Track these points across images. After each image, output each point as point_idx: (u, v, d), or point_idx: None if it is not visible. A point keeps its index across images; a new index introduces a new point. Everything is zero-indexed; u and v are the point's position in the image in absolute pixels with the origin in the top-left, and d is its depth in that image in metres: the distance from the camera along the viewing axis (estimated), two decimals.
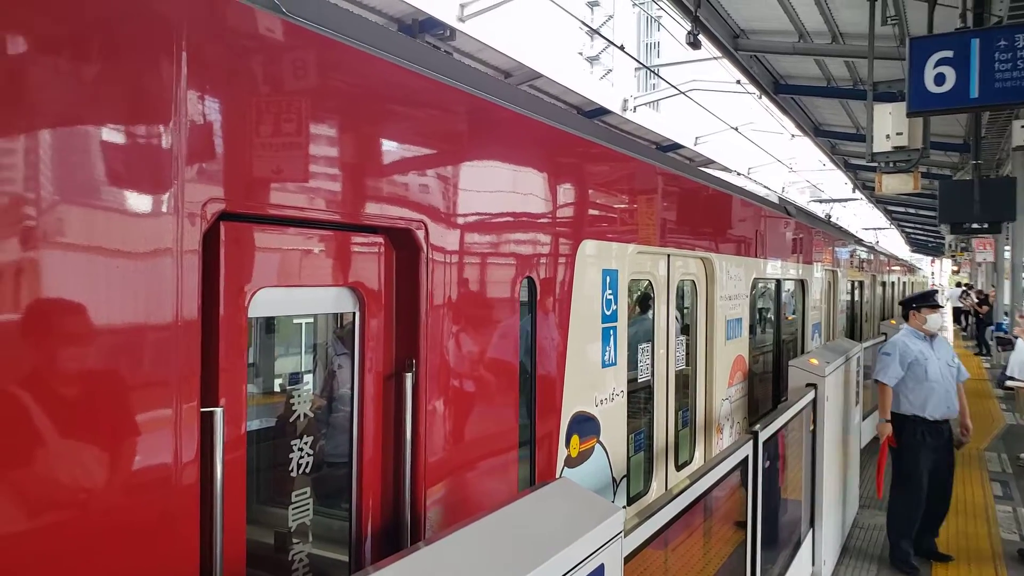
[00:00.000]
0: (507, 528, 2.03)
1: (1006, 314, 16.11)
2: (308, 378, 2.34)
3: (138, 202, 1.61)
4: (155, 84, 1.65)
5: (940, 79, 6.46)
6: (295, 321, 2.30)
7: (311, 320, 2.34)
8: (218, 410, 1.80)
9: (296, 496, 2.19)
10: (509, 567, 1.79)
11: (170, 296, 1.67)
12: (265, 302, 2.02)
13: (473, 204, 2.75)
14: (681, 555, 3.69)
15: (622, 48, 13.38)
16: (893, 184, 9.94)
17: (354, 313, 2.33)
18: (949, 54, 6.41)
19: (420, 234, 2.45)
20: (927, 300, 6.35)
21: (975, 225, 11.74)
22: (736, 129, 19.99)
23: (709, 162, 22.52)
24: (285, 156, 1.99)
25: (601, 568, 2.10)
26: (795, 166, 26.16)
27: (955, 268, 44.51)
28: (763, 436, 4.07)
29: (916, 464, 6.08)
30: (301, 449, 2.20)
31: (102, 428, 1.57)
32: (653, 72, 18.51)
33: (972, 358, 20.88)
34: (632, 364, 4.37)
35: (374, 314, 2.36)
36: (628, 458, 4.24)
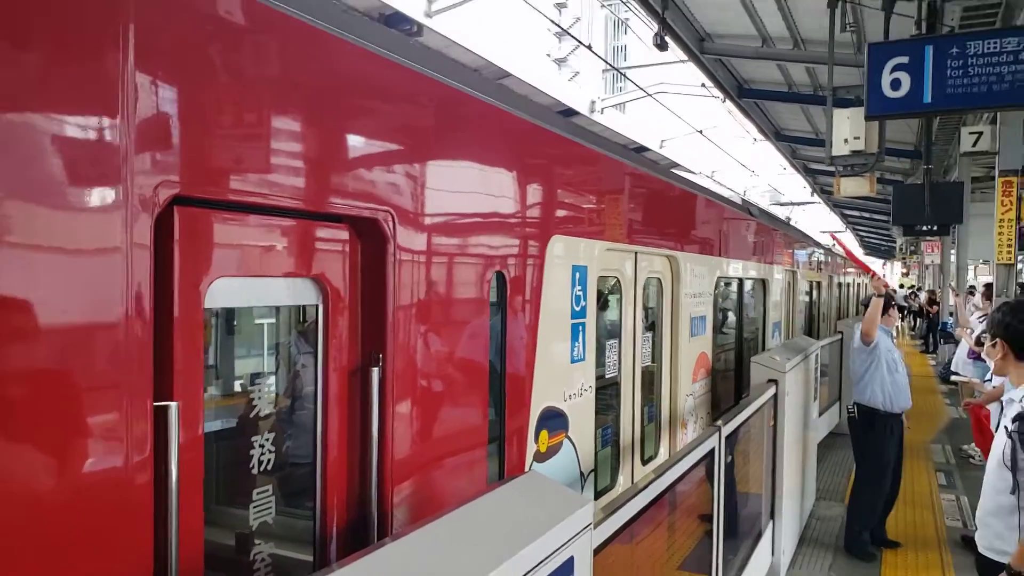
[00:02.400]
0: (475, 522, 1.97)
1: (951, 314, 16.57)
2: (270, 372, 2.24)
3: (85, 184, 1.51)
4: (100, 61, 1.55)
5: (896, 84, 6.58)
6: (256, 314, 2.20)
7: (273, 312, 2.25)
8: (172, 404, 1.70)
9: (257, 495, 2.10)
10: (478, 561, 1.73)
11: (120, 282, 1.57)
12: (223, 292, 1.93)
13: (442, 195, 2.67)
14: (646, 548, 3.67)
15: (590, 47, 13.38)
16: (850, 187, 10.13)
17: (317, 306, 2.25)
18: (905, 60, 6.53)
19: (387, 224, 2.37)
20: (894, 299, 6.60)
21: (926, 227, 12.03)
22: (701, 132, 20.14)
23: (674, 165, 22.63)
24: (243, 139, 1.90)
25: (571, 561, 2.06)
26: (757, 170, 26.57)
27: (904, 271, 45.67)
28: (727, 430, 4.07)
29: (889, 458, 6.24)
30: (262, 446, 2.11)
31: (51, 425, 1.47)
32: (621, 74, 18.57)
33: (919, 355, 21.46)
34: (600, 360, 4.34)
35: (338, 306, 2.28)
36: (596, 453, 4.21)
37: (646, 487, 2.75)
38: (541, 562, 1.90)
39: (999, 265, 9.71)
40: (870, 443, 6.33)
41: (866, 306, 6.37)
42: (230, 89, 1.86)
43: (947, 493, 8.04)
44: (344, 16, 2.29)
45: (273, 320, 2.26)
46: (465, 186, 2.82)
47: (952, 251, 18.48)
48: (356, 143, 2.27)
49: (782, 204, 25.84)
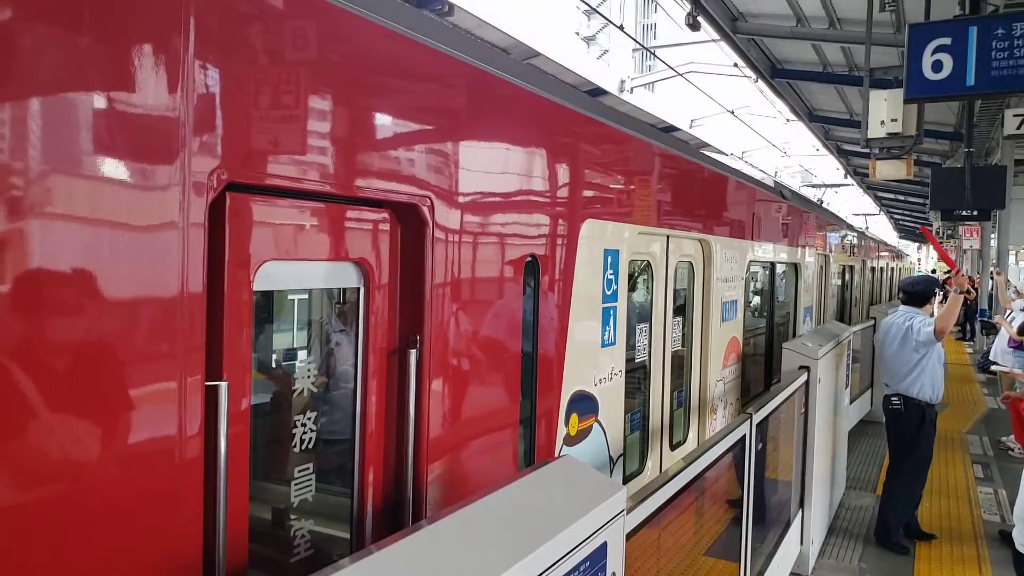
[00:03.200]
0: (510, 506, 2.01)
1: (990, 300, 16.22)
2: (313, 353, 2.29)
3: (144, 170, 1.56)
4: (162, 51, 1.59)
5: (937, 66, 6.43)
6: (301, 295, 2.25)
7: (317, 294, 2.30)
8: (223, 384, 1.76)
9: (299, 472, 2.16)
10: (513, 546, 1.77)
11: (175, 267, 1.63)
12: (270, 275, 1.98)
13: (478, 181, 2.70)
14: (673, 533, 3.70)
15: (621, 28, 13.24)
16: (886, 170, 9.93)
17: (359, 288, 2.29)
18: (947, 41, 6.38)
19: (425, 209, 2.40)
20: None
21: (965, 212, 11.77)
22: (732, 112, 19.87)
23: (704, 145, 22.44)
24: (292, 127, 1.94)
25: (604, 546, 2.09)
26: (789, 151, 26.16)
27: None
28: (758, 418, 4.07)
29: (931, 449, 6.16)
30: (304, 424, 2.17)
31: (107, 401, 1.53)
32: (651, 53, 18.36)
33: (955, 343, 21.10)
34: (630, 344, 4.35)
35: (379, 289, 2.32)
36: (625, 437, 4.24)
37: (676, 474, 2.77)
38: (576, 547, 1.94)
39: None
40: (920, 436, 6.16)
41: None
42: (280, 79, 1.90)
43: (984, 486, 7.89)
44: (381, 2, 2.30)
45: (316, 302, 2.31)
46: (500, 171, 2.83)
47: (992, 236, 18.08)
48: (397, 131, 2.30)
49: (814, 186, 25.50)
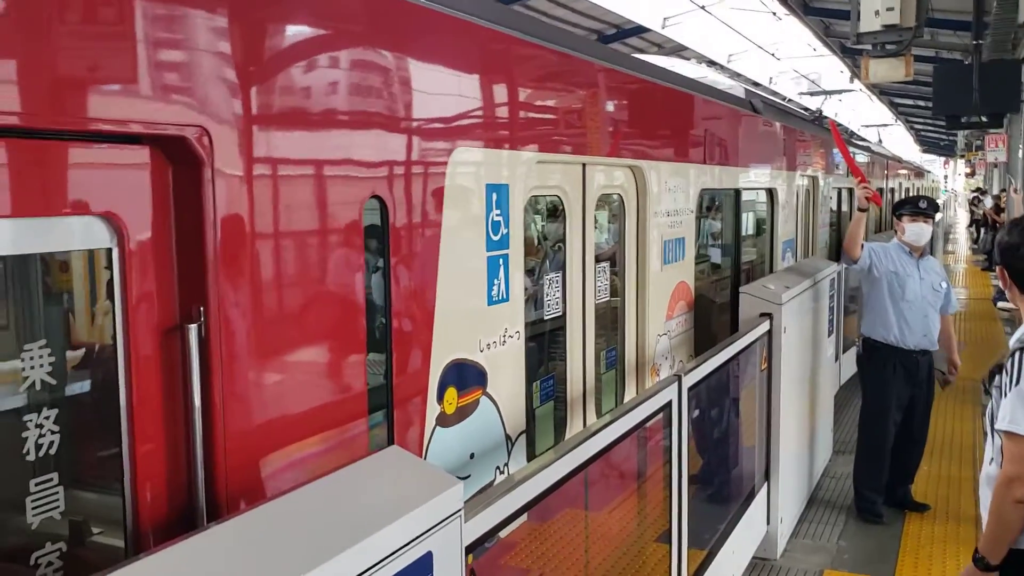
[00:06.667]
0: (297, 515, 1.93)
1: None
2: (47, 335, 2.13)
3: None
4: None
5: None
6: (19, 264, 2.08)
7: (42, 260, 2.12)
8: None
9: (37, 485, 2.03)
10: (284, 567, 1.68)
11: None
12: None
13: (281, 100, 2.52)
14: (607, 518, 3.72)
15: None
16: (882, 71, 9.88)
17: (110, 249, 2.13)
18: None
19: (201, 144, 2.24)
20: (905, 207, 6.43)
21: (974, 118, 11.79)
22: (703, 8, 19.50)
23: (681, 48, 22.21)
24: None
25: (428, 558, 2.02)
26: (780, 53, 25.91)
27: (968, 170, 45.53)
28: (689, 380, 4.04)
29: (886, 400, 6.23)
30: (41, 426, 2.03)
31: None
32: None
33: (980, 274, 21.54)
34: (535, 298, 4.27)
35: (139, 250, 2.16)
36: (532, 410, 4.19)
37: (550, 464, 2.70)
38: (382, 561, 1.86)
39: None
40: (865, 382, 6.53)
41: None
42: None
43: None
44: None
45: (44, 270, 2.14)
46: (314, 88, 2.65)
47: (1021, 146, 18.29)
48: (149, 40, 2.10)
49: (814, 94, 25.45)
